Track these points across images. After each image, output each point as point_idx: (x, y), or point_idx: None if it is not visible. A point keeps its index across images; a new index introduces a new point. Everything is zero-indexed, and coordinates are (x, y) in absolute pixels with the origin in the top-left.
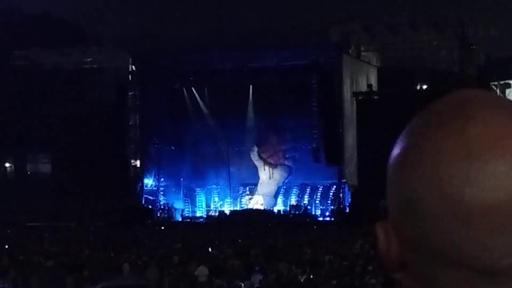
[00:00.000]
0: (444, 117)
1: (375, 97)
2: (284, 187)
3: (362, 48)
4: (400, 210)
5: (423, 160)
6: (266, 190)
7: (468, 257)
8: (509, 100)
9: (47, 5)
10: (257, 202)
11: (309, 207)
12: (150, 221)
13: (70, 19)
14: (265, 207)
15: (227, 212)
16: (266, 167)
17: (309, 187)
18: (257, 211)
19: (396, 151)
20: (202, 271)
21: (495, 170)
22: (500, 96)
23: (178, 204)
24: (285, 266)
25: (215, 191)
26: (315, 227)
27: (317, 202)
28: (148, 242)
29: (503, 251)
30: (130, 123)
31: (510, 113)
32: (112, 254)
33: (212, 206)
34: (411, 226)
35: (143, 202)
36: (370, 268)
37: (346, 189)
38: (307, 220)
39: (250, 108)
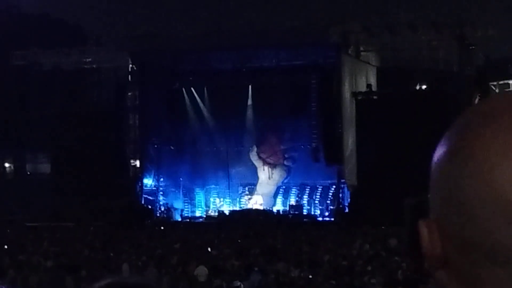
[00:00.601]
0: (494, 113)
1: (375, 97)
2: (284, 187)
3: (361, 48)
4: (446, 208)
5: (473, 158)
6: (265, 190)
7: None
8: None
9: (46, 5)
10: (256, 202)
11: (308, 207)
12: (149, 221)
13: (69, 19)
14: (265, 207)
15: (227, 212)
16: (265, 167)
17: (309, 187)
18: (257, 211)
19: (443, 148)
20: (201, 271)
21: None
22: None
23: (178, 204)
24: (284, 266)
25: (214, 191)
26: (314, 227)
27: (316, 202)
28: (147, 242)
29: None
30: (129, 123)
31: None
32: (111, 254)
33: (211, 206)
34: (458, 224)
35: (142, 202)
36: (370, 268)
37: (346, 189)
38: (306, 220)
39: (249, 108)
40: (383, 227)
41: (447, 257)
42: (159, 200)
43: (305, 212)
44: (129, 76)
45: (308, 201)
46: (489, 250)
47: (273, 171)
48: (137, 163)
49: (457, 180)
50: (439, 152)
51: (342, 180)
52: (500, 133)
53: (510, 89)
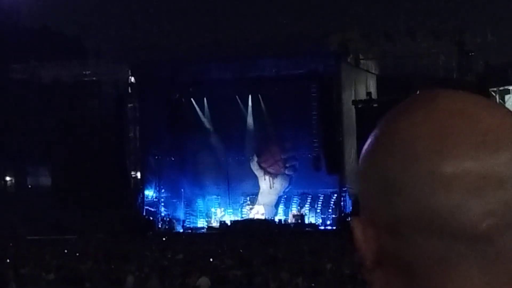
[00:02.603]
0: (411, 103)
1: (375, 105)
2: (285, 196)
3: (360, 56)
4: (376, 195)
5: (395, 140)
6: (266, 200)
7: (448, 224)
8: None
9: (45, 18)
10: (258, 211)
11: (310, 215)
12: (151, 233)
13: (69, 31)
14: (266, 217)
15: (228, 222)
16: (267, 177)
17: (310, 196)
18: (258, 220)
19: (369, 140)
20: (204, 282)
21: (466, 138)
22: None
23: (179, 215)
24: (286, 275)
25: (215, 201)
26: (316, 235)
27: (318, 210)
28: (149, 253)
29: (481, 213)
30: (130, 135)
31: (474, 95)
32: (113, 266)
33: (213, 217)
34: (391, 205)
35: (144, 214)
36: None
37: (347, 197)
38: (308, 229)
39: (250, 117)
40: None
41: (383, 253)
42: (161, 212)
43: (307, 221)
44: (129, 88)
45: (309, 210)
46: (422, 222)
47: (274, 181)
48: (138, 174)
49: (383, 163)
50: (364, 146)
51: (344, 188)
52: (419, 115)
53: (511, 94)
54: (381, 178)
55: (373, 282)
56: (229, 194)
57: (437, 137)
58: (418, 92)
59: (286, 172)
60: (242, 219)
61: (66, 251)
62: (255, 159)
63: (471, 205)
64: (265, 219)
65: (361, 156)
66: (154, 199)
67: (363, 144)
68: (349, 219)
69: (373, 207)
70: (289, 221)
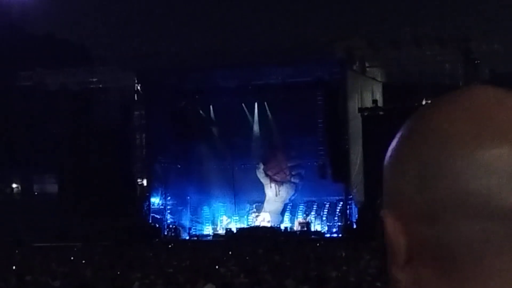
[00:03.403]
0: (443, 96)
1: (381, 113)
2: (291, 204)
3: (366, 64)
4: (410, 182)
5: (431, 125)
6: (272, 207)
7: (488, 205)
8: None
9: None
10: (264, 219)
11: (316, 223)
12: (157, 240)
13: (75, 39)
14: (272, 224)
15: (234, 229)
16: (272, 185)
17: (316, 203)
18: (264, 228)
19: (399, 134)
20: None
21: (506, 122)
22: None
23: (185, 223)
24: (292, 283)
25: (221, 209)
26: (322, 243)
27: (324, 218)
28: (155, 261)
29: None
30: (136, 143)
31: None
32: (119, 274)
33: (219, 224)
34: (425, 192)
35: (150, 221)
36: (378, 284)
37: (353, 205)
38: (314, 236)
39: (256, 125)
40: None
41: (416, 245)
42: (167, 219)
43: (312, 228)
44: (135, 95)
45: (315, 217)
46: (461, 203)
47: (280, 188)
48: (144, 182)
49: (418, 146)
50: (395, 140)
51: (350, 196)
52: (458, 101)
53: None
54: (417, 164)
55: (400, 280)
56: (235, 202)
57: (474, 121)
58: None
59: (292, 180)
60: (248, 226)
61: (72, 258)
62: (261, 166)
63: (510, 187)
64: (271, 227)
65: (391, 149)
66: (160, 207)
67: (369, 152)
68: (380, 213)
69: (407, 196)
70: (295, 228)
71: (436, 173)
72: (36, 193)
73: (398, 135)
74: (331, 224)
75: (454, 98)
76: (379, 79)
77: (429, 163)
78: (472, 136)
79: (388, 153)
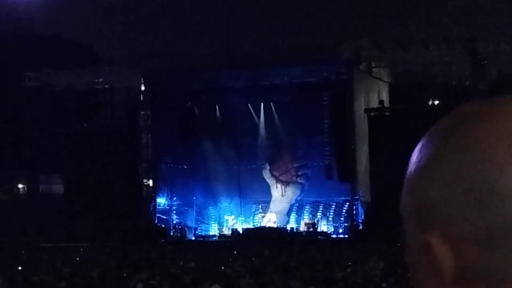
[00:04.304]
0: (481, 105)
1: (387, 113)
2: (297, 204)
3: (373, 64)
4: (462, 205)
5: (487, 141)
6: (278, 208)
7: None
8: None
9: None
10: (270, 220)
11: (322, 224)
12: (163, 240)
13: (81, 39)
14: (278, 225)
15: (240, 230)
16: (279, 185)
17: (322, 204)
18: (270, 229)
19: (428, 145)
20: None
21: None
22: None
23: (191, 223)
24: (298, 283)
25: (227, 209)
26: (328, 244)
27: (330, 219)
28: (161, 261)
29: None
30: (142, 143)
31: None
32: (125, 274)
33: (225, 225)
34: (481, 216)
35: (156, 222)
36: (385, 285)
37: (359, 205)
38: (320, 237)
39: (262, 125)
40: (398, 244)
41: (466, 268)
42: (173, 219)
43: (319, 229)
44: (141, 95)
45: (321, 218)
46: None
47: (286, 189)
48: (150, 182)
49: (470, 164)
50: (426, 150)
51: (356, 197)
52: (506, 111)
53: None
54: (470, 184)
55: None
56: (241, 202)
57: None
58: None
59: (298, 180)
60: (254, 227)
61: (78, 258)
62: (267, 167)
63: None
64: (277, 227)
65: (425, 162)
66: (166, 207)
67: (375, 152)
68: (425, 236)
69: (456, 218)
70: (301, 229)
71: (496, 197)
72: (42, 194)
73: (433, 145)
74: (337, 224)
75: (501, 107)
76: (385, 79)
77: (487, 185)
78: None
79: (422, 164)
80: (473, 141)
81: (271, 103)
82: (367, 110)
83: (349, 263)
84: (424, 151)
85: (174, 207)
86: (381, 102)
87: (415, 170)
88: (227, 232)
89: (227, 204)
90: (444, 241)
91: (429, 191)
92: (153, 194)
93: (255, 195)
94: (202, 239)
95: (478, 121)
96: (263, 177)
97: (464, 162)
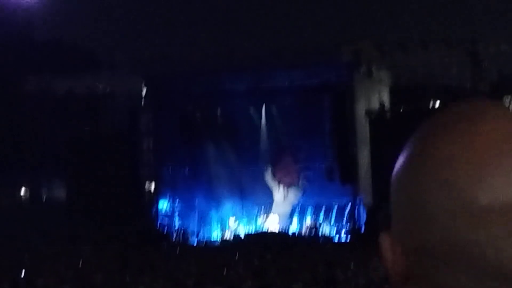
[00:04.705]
0: (449, 121)
1: (388, 116)
2: (299, 207)
3: (373, 67)
4: (409, 217)
5: (434, 165)
6: (281, 211)
7: (482, 260)
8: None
9: (59, 31)
10: (272, 223)
11: (324, 226)
12: (165, 244)
13: (82, 44)
14: (280, 228)
15: (242, 233)
16: (281, 188)
17: (324, 206)
18: (272, 232)
19: (403, 159)
20: None
21: (508, 170)
22: (503, 104)
23: (193, 227)
24: (300, 286)
25: (229, 213)
26: (330, 246)
27: (332, 221)
28: (164, 265)
29: None
30: (143, 147)
31: None
32: (127, 278)
33: (227, 228)
34: (421, 231)
35: (158, 226)
36: (386, 287)
37: (361, 208)
38: (322, 240)
39: (263, 128)
40: None
41: (410, 272)
42: (175, 223)
43: (321, 232)
44: (142, 99)
45: (324, 220)
46: (455, 255)
47: (288, 191)
48: (152, 186)
49: (420, 187)
50: (399, 162)
51: (358, 200)
52: (457, 142)
53: None
54: (413, 203)
55: None
56: (243, 205)
57: (476, 165)
58: (457, 103)
59: (300, 183)
60: (256, 230)
61: (81, 262)
62: (269, 170)
63: (508, 246)
64: (278, 231)
65: (394, 173)
66: (168, 211)
67: (377, 154)
68: (379, 235)
69: (403, 228)
70: (303, 232)
71: (432, 218)
72: (45, 198)
73: (400, 160)
74: (339, 227)
75: (457, 126)
76: (386, 81)
77: (425, 206)
78: (473, 183)
79: (393, 174)
80: (426, 156)
81: (273, 106)
82: (368, 113)
83: (351, 266)
84: (398, 160)
85: (176, 211)
86: (382, 104)
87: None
88: (229, 235)
89: (229, 208)
90: (387, 243)
91: (391, 195)
92: (155, 198)
93: (257, 198)
94: (204, 242)
95: (439, 134)
96: (265, 180)
97: (414, 177)
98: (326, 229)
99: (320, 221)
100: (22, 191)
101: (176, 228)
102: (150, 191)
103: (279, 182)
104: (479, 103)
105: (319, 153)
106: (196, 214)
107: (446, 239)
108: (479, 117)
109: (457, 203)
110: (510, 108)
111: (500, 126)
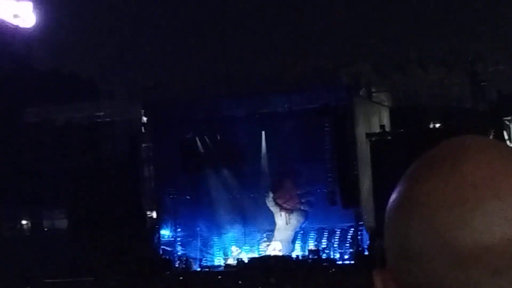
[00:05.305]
0: (435, 160)
1: (389, 138)
2: (302, 232)
3: (372, 89)
4: (397, 255)
5: (417, 204)
6: (283, 236)
7: None
8: (503, 143)
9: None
10: (275, 248)
11: (327, 251)
12: (168, 272)
13: (81, 73)
14: (283, 253)
15: (246, 259)
16: (282, 213)
17: (327, 231)
18: (276, 257)
19: (392, 197)
20: None
21: (489, 211)
22: (495, 140)
23: (196, 254)
24: None
25: (232, 239)
26: (334, 270)
27: (335, 245)
28: None
29: None
30: (144, 175)
31: (502, 154)
32: None
33: (230, 254)
34: (407, 270)
35: (160, 253)
36: None
37: (364, 231)
38: (326, 264)
39: (264, 153)
40: None
41: None
42: (177, 251)
43: (324, 256)
44: (142, 127)
45: (327, 245)
46: None
47: (290, 217)
48: (154, 214)
49: (404, 228)
50: (390, 200)
51: (360, 222)
52: (440, 181)
53: None
54: (400, 243)
55: None
56: (245, 231)
57: (457, 206)
58: (448, 141)
59: (302, 207)
60: (259, 256)
61: None
62: (270, 195)
63: (490, 285)
64: (282, 255)
65: (386, 211)
66: (171, 239)
67: (379, 177)
68: (373, 271)
69: (394, 265)
70: (306, 256)
71: (416, 259)
72: (45, 229)
73: (391, 199)
74: (342, 251)
75: (442, 169)
76: (386, 103)
77: (410, 247)
78: (454, 226)
79: (386, 212)
80: (412, 198)
81: (272, 131)
82: (368, 135)
83: None
84: (390, 198)
85: (178, 239)
86: (382, 126)
87: None
88: (232, 262)
89: (231, 234)
90: (385, 279)
91: (384, 230)
92: (157, 226)
93: (259, 224)
94: (207, 269)
95: (426, 176)
96: (267, 206)
97: (401, 218)
98: (329, 253)
99: (323, 245)
100: (23, 222)
101: (179, 255)
102: (152, 219)
103: (280, 207)
104: (467, 141)
105: (320, 177)
106: (198, 241)
107: (432, 283)
108: (464, 157)
109: (437, 243)
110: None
111: (484, 166)
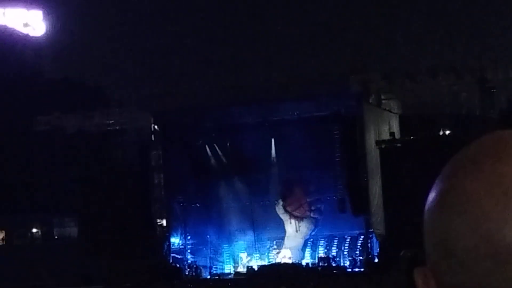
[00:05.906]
0: (477, 158)
1: (398, 145)
2: (311, 239)
3: (382, 96)
4: (438, 254)
5: (459, 203)
6: (293, 244)
7: None
8: None
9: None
10: (285, 256)
11: (337, 258)
12: (178, 280)
13: (91, 82)
14: (293, 261)
15: (255, 267)
16: (292, 220)
17: (337, 238)
18: (286, 265)
19: (432, 195)
20: None
21: None
22: None
23: (206, 262)
24: None
25: (242, 246)
26: (344, 278)
27: (345, 253)
28: None
29: None
30: (154, 183)
31: None
32: None
33: (240, 262)
34: (449, 269)
35: (170, 261)
36: None
37: (374, 238)
38: (336, 271)
39: (273, 161)
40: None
41: None
42: (187, 259)
43: (334, 263)
44: (152, 135)
45: (337, 252)
46: None
47: (300, 224)
48: (164, 222)
49: (447, 225)
50: (429, 198)
51: (370, 230)
52: (482, 180)
53: None
54: (444, 240)
55: None
56: (255, 239)
57: (502, 205)
58: (485, 137)
59: (312, 215)
60: (269, 263)
61: None
62: (280, 203)
63: None
64: (292, 263)
65: (426, 208)
66: (181, 246)
67: (388, 184)
68: (413, 271)
69: (436, 263)
70: (317, 264)
71: (460, 260)
72: (56, 237)
73: (431, 197)
74: (352, 258)
75: (486, 168)
76: (395, 111)
77: (455, 248)
78: (500, 226)
79: (425, 210)
80: (455, 196)
81: (282, 138)
82: (378, 142)
83: None
84: (429, 196)
85: (189, 246)
86: (392, 134)
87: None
88: (242, 269)
89: (241, 242)
90: (420, 280)
91: (424, 228)
92: (167, 234)
93: (269, 231)
94: (217, 277)
95: (469, 174)
96: (277, 213)
97: (445, 218)
98: (339, 261)
99: (333, 253)
100: (34, 230)
101: (189, 263)
102: (162, 227)
103: (290, 215)
104: (507, 137)
105: (330, 185)
106: (208, 249)
107: (474, 280)
108: (505, 154)
109: (482, 245)
110: None
111: None
